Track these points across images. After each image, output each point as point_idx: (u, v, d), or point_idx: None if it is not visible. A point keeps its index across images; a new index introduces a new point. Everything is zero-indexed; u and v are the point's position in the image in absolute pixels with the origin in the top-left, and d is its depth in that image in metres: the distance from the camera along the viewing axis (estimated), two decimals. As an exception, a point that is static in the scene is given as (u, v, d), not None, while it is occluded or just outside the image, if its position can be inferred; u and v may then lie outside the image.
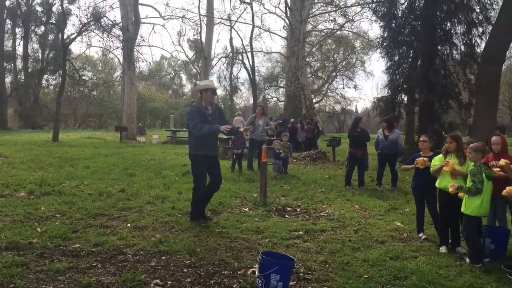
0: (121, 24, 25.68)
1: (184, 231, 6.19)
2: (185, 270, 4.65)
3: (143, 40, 33.98)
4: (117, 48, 26.97)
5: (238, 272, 4.66)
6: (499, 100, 17.06)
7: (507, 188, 5.04)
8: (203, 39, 32.70)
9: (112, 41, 24.90)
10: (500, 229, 5.97)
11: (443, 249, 5.85)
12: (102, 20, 22.81)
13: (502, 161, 5.59)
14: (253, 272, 4.57)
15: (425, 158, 6.37)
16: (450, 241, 5.98)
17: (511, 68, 38.94)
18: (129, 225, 6.39)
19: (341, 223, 7.20)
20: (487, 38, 15.10)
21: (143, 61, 68.26)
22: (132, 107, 27.96)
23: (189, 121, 6.58)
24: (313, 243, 5.97)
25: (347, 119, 56.11)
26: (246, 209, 7.85)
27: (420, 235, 6.51)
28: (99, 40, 26.95)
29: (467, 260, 5.42)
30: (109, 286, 4.12)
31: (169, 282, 4.29)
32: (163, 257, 5.03)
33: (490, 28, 15.17)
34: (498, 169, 5.65)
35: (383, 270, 4.96)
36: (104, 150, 17.06)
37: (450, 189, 5.56)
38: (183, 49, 71.46)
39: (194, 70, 55.87)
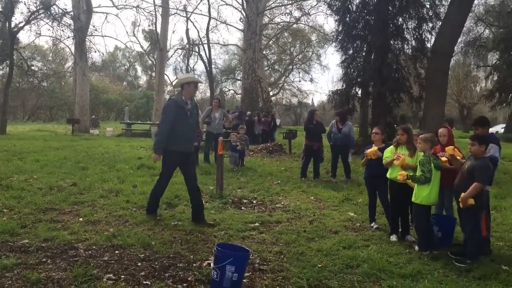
0: (72, 13, 24.86)
1: (138, 224, 6.10)
2: (139, 263, 4.59)
3: (96, 30, 33.13)
4: (68, 37, 26.07)
5: (194, 265, 4.64)
6: (447, 94, 17.72)
7: (462, 196, 5.22)
8: (159, 30, 32.06)
9: (62, 30, 24.13)
10: (447, 217, 6.22)
11: (393, 237, 6.04)
12: (51, 8, 22.03)
13: (449, 148, 5.79)
14: (209, 264, 4.56)
15: (375, 149, 6.53)
16: (400, 230, 6.18)
17: (459, 63, 40.41)
18: (81, 219, 6.23)
19: (297, 214, 7.30)
20: (436, 33, 15.62)
21: (95, 52, 66.39)
22: (85, 99, 27.20)
23: (163, 114, 6.39)
24: (268, 234, 6.02)
25: (303, 112, 56.78)
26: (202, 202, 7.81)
27: (372, 224, 6.69)
28: (49, 29, 25.81)
29: (416, 248, 5.62)
30: (59, 281, 4.00)
31: (122, 276, 4.21)
32: (117, 251, 4.94)
33: (439, 23, 15.69)
34: (446, 159, 5.88)
35: (336, 259, 5.07)
36: (55, 143, 16.52)
37: (399, 177, 5.75)
38: (138, 40, 70.35)
39: (150, 62, 54.91)
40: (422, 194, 5.61)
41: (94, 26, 29.46)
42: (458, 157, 5.68)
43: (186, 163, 6.53)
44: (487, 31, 33.83)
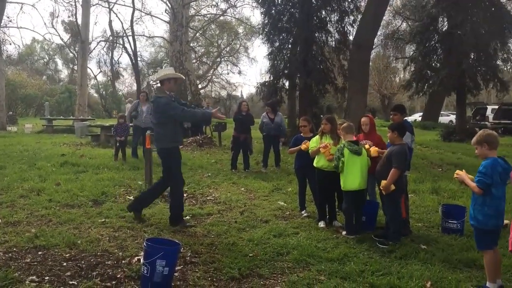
0: (-18, 3, 23.15)
1: (63, 223, 5.84)
2: (64, 264, 4.41)
3: (10, 21, 31.10)
4: (-21, 29, 24.30)
5: (123, 262, 4.53)
6: (369, 84, 18.48)
7: (383, 183, 5.48)
8: (79, 21, 30.69)
9: (-28, 21, 22.38)
10: (370, 202, 6.51)
11: (321, 224, 6.24)
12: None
13: (374, 150, 6.05)
14: (139, 260, 4.47)
15: (308, 143, 6.68)
16: (327, 216, 6.40)
17: (380, 55, 42.25)
18: (-1, 221, 5.87)
19: (228, 205, 7.33)
20: (357, 26, 16.23)
21: (10, 44, 62.58)
22: (0, 94, 25.50)
23: (172, 110, 5.94)
24: (200, 227, 6.01)
25: (233, 105, 56.89)
26: (131, 198, 7.62)
27: (302, 212, 6.87)
28: (-43, 20, 23.88)
29: (343, 232, 5.85)
30: (-24, 288, 3.76)
31: (46, 278, 4.03)
32: (40, 252, 4.71)
33: (360, 16, 16.31)
34: (368, 146, 6.15)
35: (267, 247, 5.16)
36: (-33, 142, 15.39)
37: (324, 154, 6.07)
38: (58, 32, 66.92)
39: (71, 55, 52.52)
40: (346, 180, 5.85)
41: (8, 17, 27.73)
42: (381, 155, 5.93)
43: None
44: (404, 24, 35.69)
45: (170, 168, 6.14)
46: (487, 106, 29.23)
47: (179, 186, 6.20)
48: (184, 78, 6.67)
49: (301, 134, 7.07)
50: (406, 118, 6.69)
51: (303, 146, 6.63)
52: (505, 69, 26.49)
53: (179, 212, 6.12)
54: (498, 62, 19.47)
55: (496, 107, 27.56)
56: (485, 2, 17.98)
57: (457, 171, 4.40)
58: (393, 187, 5.39)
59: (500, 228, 4.21)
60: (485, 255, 4.15)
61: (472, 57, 18.66)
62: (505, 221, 5.45)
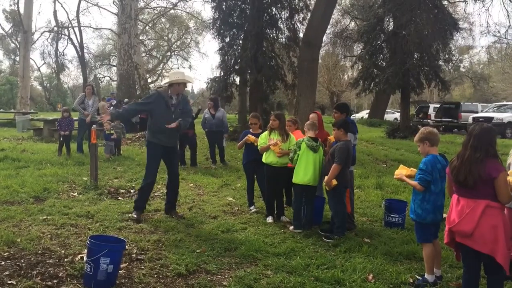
0: None
1: (1, 221, 5.60)
2: (2, 263, 4.23)
3: None
4: None
5: (65, 260, 4.40)
6: (318, 82, 18.77)
7: (325, 179, 5.60)
8: (22, 10, 29.38)
9: None
10: (316, 197, 6.63)
11: (269, 219, 6.31)
12: None
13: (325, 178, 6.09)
14: (82, 258, 4.36)
15: (253, 137, 6.72)
16: (275, 211, 6.47)
17: (329, 53, 42.99)
18: None
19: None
20: (307, 24, 16.43)
21: None
22: None
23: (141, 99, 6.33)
24: (147, 223, 5.92)
25: (183, 100, 56.13)
26: (75, 194, 7.42)
27: (251, 208, 6.91)
28: None
29: (291, 227, 5.93)
30: None
31: (-18, 278, 3.85)
32: (-25, 252, 4.49)
33: (310, 14, 16.51)
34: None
35: (215, 243, 5.16)
36: None
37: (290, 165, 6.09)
38: (-2, 21, 63.40)
39: (13, 45, 50.17)
40: (297, 174, 5.95)
41: None
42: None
43: (170, 155, 6.43)
44: (352, 23, 36.46)
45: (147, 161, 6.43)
46: (430, 105, 30.43)
47: (146, 179, 6.32)
48: (191, 82, 6.67)
49: (251, 130, 7.09)
50: (354, 115, 6.87)
51: (252, 138, 6.67)
52: (447, 69, 27.71)
53: (141, 200, 6.28)
54: (440, 62, 20.25)
55: (438, 105, 28.75)
56: (428, 4, 18.64)
57: (396, 172, 4.58)
58: (335, 182, 5.52)
59: (438, 222, 4.41)
60: (424, 247, 4.34)
61: (416, 57, 19.29)
62: (444, 215, 5.71)
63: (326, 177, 5.57)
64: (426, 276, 4.25)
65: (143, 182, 6.36)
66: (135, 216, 6.07)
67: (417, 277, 4.36)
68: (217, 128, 11.11)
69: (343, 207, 5.72)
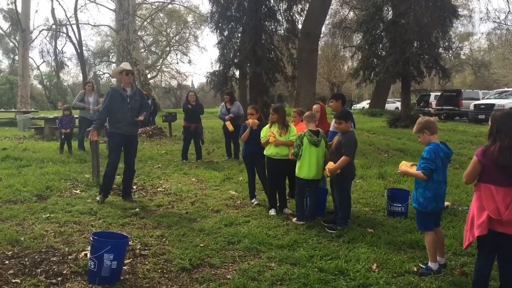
0: None
1: (4, 220, 5.60)
2: (6, 262, 4.24)
3: None
4: None
5: (69, 257, 4.41)
6: (318, 73, 18.72)
7: (331, 166, 5.57)
8: (19, 9, 29.32)
9: None
10: (320, 189, 6.63)
11: (272, 211, 6.30)
12: None
13: (329, 165, 5.78)
14: (86, 255, 4.37)
15: (252, 120, 6.75)
16: (278, 204, 6.47)
17: (328, 43, 42.84)
18: None
19: (178, 196, 7.27)
20: (305, 15, 16.38)
21: None
22: None
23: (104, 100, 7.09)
24: (150, 219, 5.93)
25: (183, 95, 56.15)
26: (78, 191, 7.43)
27: (253, 201, 6.91)
28: None
29: (294, 219, 5.93)
30: None
31: (-13, 278, 3.87)
32: (-20, 252, 4.50)
33: (308, 5, 16.45)
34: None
35: (218, 237, 5.17)
36: None
37: (290, 156, 6.04)
38: (-4, 20, 63.30)
39: (12, 44, 50.12)
40: (300, 167, 5.92)
41: None
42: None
43: (128, 144, 6.91)
44: (351, 13, 36.29)
45: (108, 149, 7.19)
46: (431, 93, 30.36)
47: (108, 165, 6.86)
48: (129, 68, 7.01)
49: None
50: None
51: (250, 122, 6.71)
52: (447, 57, 27.60)
53: (105, 186, 6.86)
54: (440, 50, 20.18)
55: (439, 93, 28.67)
56: (427, -8, 18.56)
57: (400, 166, 4.54)
58: (338, 171, 5.51)
59: (440, 210, 4.40)
60: (425, 236, 4.33)
61: (415, 45, 19.22)
62: (446, 203, 5.71)
63: (330, 163, 5.52)
64: (429, 264, 4.25)
65: (106, 169, 6.87)
66: (97, 199, 6.71)
67: (421, 265, 4.36)
68: (233, 123, 11.03)
69: (347, 198, 5.71)
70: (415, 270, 4.27)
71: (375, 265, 4.35)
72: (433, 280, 4.02)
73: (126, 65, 7.18)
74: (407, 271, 4.25)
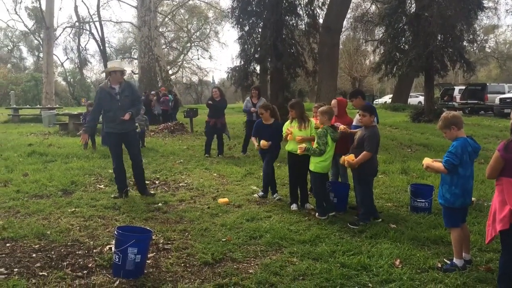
0: None
1: (31, 214, 5.73)
2: (33, 255, 4.34)
3: (-30, 7, 29.93)
4: None
5: (94, 251, 4.49)
6: (340, 67, 18.57)
7: (345, 158, 5.54)
8: (43, 7, 29.82)
9: None
10: (342, 184, 6.60)
11: (293, 206, 6.30)
12: None
13: (341, 127, 6.12)
14: (110, 248, 4.44)
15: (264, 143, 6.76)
16: (299, 199, 6.45)
17: (350, 38, 42.47)
18: (-36, 214, 5.71)
19: (200, 191, 7.32)
20: (327, 9, 16.23)
21: (-29, 32, 60.39)
22: (-37, 84, 24.66)
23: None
24: (172, 213, 5.98)
25: (204, 90, 56.50)
26: (102, 186, 7.55)
27: (274, 196, 6.91)
28: None
29: (317, 214, 5.91)
30: None
31: (15, 270, 3.96)
32: (8, 244, 4.61)
33: (329, -1, 16.30)
34: (343, 127, 6.19)
35: (240, 232, 5.19)
36: None
37: (299, 151, 5.97)
38: (21, 18, 64.84)
39: (36, 42, 51.06)
40: (318, 163, 5.88)
41: (-33, 3, 26.71)
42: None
43: (127, 140, 6.90)
44: (373, 7, 35.88)
45: None
46: (455, 87, 29.81)
47: (113, 164, 6.95)
48: (122, 69, 6.93)
49: (262, 121, 7.07)
50: (377, 100, 6.80)
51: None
52: (471, 50, 27.06)
53: (117, 186, 6.95)
54: (464, 43, 19.80)
55: (463, 87, 28.15)
56: (451, -16, 18.21)
57: (423, 161, 4.44)
58: (356, 166, 5.47)
59: (467, 206, 4.32)
60: (452, 232, 4.27)
61: (439, 38, 18.91)
62: (473, 199, 5.61)
63: (351, 156, 5.48)
64: (454, 260, 4.19)
65: (112, 168, 7.00)
66: (112, 196, 6.78)
67: (446, 261, 4.30)
68: (257, 118, 11.02)
69: (369, 195, 5.66)
70: (439, 266, 4.22)
71: (398, 260, 4.31)
72: (458, 277, 3.96)
73: (114, 64, 7.06)
74: (431, 267, 4.20)
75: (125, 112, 6.64)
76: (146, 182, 7.88)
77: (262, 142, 6.78)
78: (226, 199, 6.66)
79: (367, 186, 5.68)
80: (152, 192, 7.08)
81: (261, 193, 6.88)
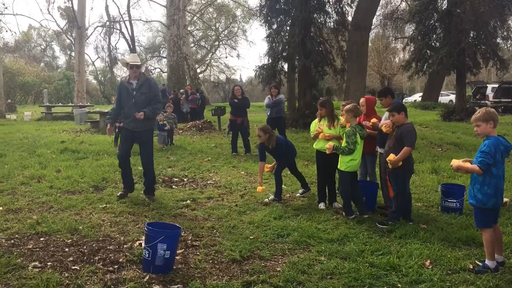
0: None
1: (64, 210, 5.88)
2: (66, 249, 4.45)
3: (6, 8, 30.88)
4: (-25, 16, 24.15)
5: (124, 246, 4.57)
6: (368, 65, 18.37)
7: (393, 158, 5.43)
8: (75, 7, 30.46)
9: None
10: (370, 183, 6.53)
11: (321, 205, 6.27)
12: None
13: (373, 120, 6.08)
14: (140, 244, 4.51)
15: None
16: (327, 197, 6.42)
17: (379, 35, 41.94)
18: (0, 208, 5.90)
19: (228, 189, 7.36)
20: (356, 6, 16.07)
21: (7, 31, 62.27)
22: (-2, 82, 25.39)
23: None
24: (200, 210, 6.04)
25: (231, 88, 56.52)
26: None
27: (300, 191, 6.93)
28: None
29: (344, 214, 5.86)
30: (-21, 275, 3.79)
31: (49, 263, 4.07)
32: (42, 239, 4.74)
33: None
34: (370, 124, 6.12)
35: (268, 230, 5.20)
36: (-33, 131, 15.39)
37: (327, 151, 5.92)
38: (54, 18, 66.42)
39: (68, 41, 52.19)
40: (346, 162, 5.83)
41: (4, 4, 27.56)
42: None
43: (138, 142, 6.73)
44: (403, 4, 35.32)
45: None
46: (487, 85, 29.09)
47: (118, 156, 6.80)
48: (134, 62, 6.56)
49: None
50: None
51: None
52: (505, 47, 26.32)
53: (122, 176, 6.86)
54: (498, 40, 19.32)
55: (496, 85, 27.43)
56: (485, -21, 17.77)
57: (452, 163, 4.34)
58: (400, 163, 5.34)
59: (499, 206, 4.22)
60: (484, 233, 4.17)
61: (471, 35, 18.50)
62: (505, 199, 5.47)
63: (392, 155, 5.34)
64: (486, 262, 4.09)
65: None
66: (118, 194, 6.63)
67: (478, 263, 4.21)
68: (277, 115, 10.96)
69: (403, 191, 5.50)
70: (471, 267, 4.13)
71: (428, 261, 4.24)
72: (490, 278, 3.87)
73: (131, 58, 6.79)
74: (462, 269, 4.11)
75: (139, 110, 6.35)
76: (175, 179, 8.00)
77: (266, 166, 6.86)
78: (263, 187, 6.71)
79: (403, 185, 5.50)
80: (153, 197, 6.60)
81: (271, 197, 6.70)
